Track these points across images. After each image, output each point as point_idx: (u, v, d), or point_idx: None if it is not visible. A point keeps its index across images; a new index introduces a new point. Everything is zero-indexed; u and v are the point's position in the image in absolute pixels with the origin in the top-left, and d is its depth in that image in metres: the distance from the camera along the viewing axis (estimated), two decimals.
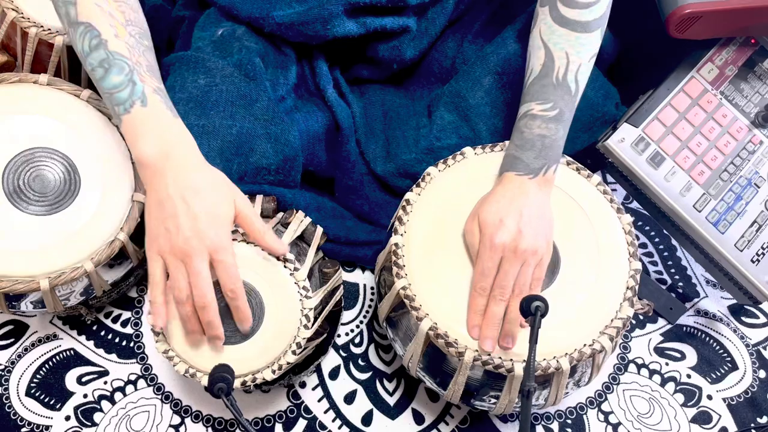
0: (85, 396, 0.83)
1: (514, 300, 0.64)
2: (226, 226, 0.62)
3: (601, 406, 0.86)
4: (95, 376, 0.84)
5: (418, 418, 0.84)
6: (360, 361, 0.87)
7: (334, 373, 0.86)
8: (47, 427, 0.81)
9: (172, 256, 0.61)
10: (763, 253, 0.80)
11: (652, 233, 1.02)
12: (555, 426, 0.84)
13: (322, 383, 0.85)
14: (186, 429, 0.81)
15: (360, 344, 0.88)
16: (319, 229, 0.75)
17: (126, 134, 0.63)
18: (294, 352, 0.66)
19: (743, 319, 0.95)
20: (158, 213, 0.61)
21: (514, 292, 0.64)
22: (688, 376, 0.89)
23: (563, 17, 0.67)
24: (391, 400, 0.84)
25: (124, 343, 0.87)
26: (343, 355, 0.87)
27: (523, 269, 0.64)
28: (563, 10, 0.67)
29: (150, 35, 0.68)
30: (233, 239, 0.66)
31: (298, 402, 0.84)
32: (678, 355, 0.91)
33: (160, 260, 0.62)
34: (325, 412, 0.83)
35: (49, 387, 0.83)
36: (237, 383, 0.64)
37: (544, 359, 0.64)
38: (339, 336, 0.88)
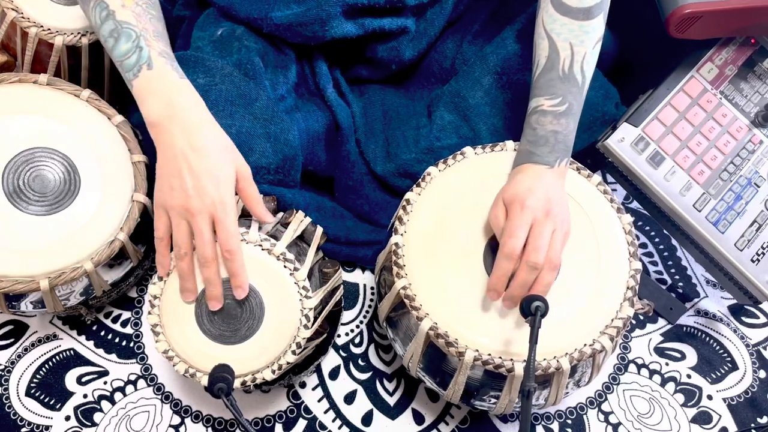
0: (85, 396, 0.83)
1: (546, 271, 0.62)
2: (227, 186, 0.63)
3: (601, 406, 0.86)
4: (95, 376, 0.84)
5: (418, 418, 0.83)
6: (360, 361, 0.87)
7: (334, 373, 0.86)
8: (47, 427, 0.81)
9: (176, 213, 0.63)
10: (763, 253, 0.80)
11: (652, 233, 1.02)
12: (555, 426, 0.84)
13: (322, 383, 0.85)
14: (186, 429, 0.81)
15: (360, 344, 0.88)
16: (319, 229, 0.75)
17: (136, 98, 0.65)
18: (294, 352, 0.66)
19: (743, 319, 0.95)
20: (164, 171, 0.63)
21: (546, 261, 0.62)
22: (688, 376, 0.89)
23: (564, 4, 0.66)
24: (391, 400, 0.84)
25: (124, 343, 0.87)
26: (343, 355, 0.87)
27: (555, 237, 0.62)
28: None
29: (159, 6, 0.71)
30: None
31: (298, 402, 0.84)
32: (678, 355, 0.91)
33: (165, 216, 0.64)
34: (325, 412, 0.83)
35: (49, 387, 0.83)
36: (237, 383, 0.64)
37: (545, 359, 0.64)
38: (339, 336, 0.88)
